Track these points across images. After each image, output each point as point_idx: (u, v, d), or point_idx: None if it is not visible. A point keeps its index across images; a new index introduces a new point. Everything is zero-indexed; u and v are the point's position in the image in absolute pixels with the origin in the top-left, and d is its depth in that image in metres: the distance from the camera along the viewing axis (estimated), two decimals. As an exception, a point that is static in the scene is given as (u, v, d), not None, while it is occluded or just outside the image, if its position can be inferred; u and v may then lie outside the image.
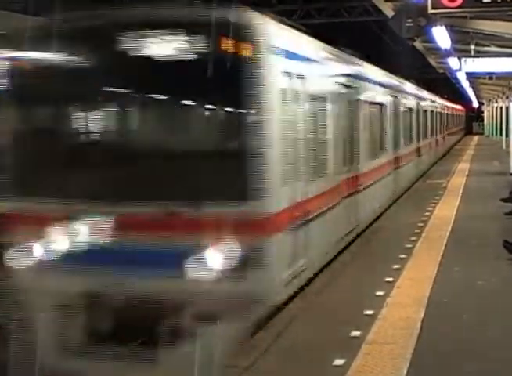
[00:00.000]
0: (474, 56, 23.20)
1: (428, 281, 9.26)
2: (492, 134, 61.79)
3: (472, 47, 22.37)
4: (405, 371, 6.20)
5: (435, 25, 14.41)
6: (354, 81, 12.51)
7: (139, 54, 7.39)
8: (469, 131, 75.22)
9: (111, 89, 7.86)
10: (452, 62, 24.35)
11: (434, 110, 31.51)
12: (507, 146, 32.53)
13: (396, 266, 10.09)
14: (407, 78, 22.83)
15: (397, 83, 19.80)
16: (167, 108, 7.80)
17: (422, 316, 7.77)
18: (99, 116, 7.93)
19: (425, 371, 6.27)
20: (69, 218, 7.32)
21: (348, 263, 10.66)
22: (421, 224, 13.87)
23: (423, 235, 12.73)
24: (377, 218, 14.63)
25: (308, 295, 8.85)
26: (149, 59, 7.38)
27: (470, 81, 40.04)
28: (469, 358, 6.58)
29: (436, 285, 9.09)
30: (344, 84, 11.64)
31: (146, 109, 7.90)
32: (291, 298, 8.52)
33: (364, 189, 12.84)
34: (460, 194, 19.03)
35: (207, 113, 8.00)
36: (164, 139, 7.62)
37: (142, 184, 7.31)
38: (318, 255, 9.33)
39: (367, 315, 7.80)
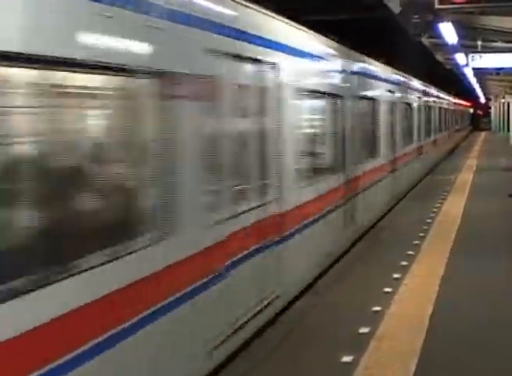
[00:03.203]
0: (481, 52, 23.14)
1: (436, 278, 9.25)
2: (500, 130, 61.60)
3: (479, 43, 22.30)
4: (413, 367, 6.19)
5: (442, 21, 14.37)
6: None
7: None
8: (476, 127, 75.05)
9: None
10: (460, 58, 24.29)
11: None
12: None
13: (404, 263, 10.08)
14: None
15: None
16: None
17: (430, 312, 7.76)
18: None
19: (433, 367, 6.26)
20: None
21: (357, 259, 10.66)
22: (429, 220, 13.86)
23: (432, 231, 12.72)
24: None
25: (316, 292, 8.87)
26: None
27: (477, 77, 39.92)
28: (478, 355, 6.56)
29: (444, 282, 9.08)
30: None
31: None
32: (300, 295, 8.54)
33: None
34: (468, 190, 19.01)
35: None
36: None
37: None
38: None
39: (375, 311, 7.80)
